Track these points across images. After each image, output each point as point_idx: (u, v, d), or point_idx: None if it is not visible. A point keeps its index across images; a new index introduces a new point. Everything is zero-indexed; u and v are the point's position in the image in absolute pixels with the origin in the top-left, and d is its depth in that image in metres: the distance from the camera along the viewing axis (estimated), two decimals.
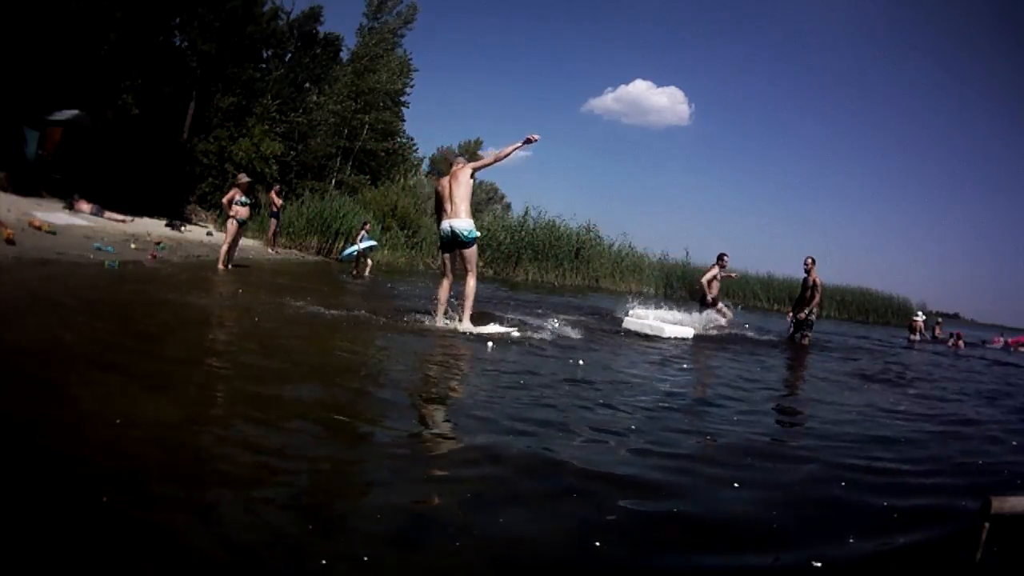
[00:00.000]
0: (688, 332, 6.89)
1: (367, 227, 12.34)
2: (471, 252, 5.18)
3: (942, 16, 66.22)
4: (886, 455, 2.76)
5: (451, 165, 5.42)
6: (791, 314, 8.92)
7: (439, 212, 5.32)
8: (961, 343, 13.70)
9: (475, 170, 5.25)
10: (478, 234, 5.26)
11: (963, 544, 1.58)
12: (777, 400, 4.16)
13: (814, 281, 8.43)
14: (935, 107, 64.60)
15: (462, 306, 5.16)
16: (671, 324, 6.98)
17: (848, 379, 5.44)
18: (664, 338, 6.43)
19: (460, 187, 5.16)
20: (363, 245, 11.54)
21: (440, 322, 5.20)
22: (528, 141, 5.12)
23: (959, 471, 2.66)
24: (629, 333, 6.66)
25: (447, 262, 5.30)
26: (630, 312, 7.78)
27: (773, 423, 3.46)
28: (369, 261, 11.57)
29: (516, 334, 5.15)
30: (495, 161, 5.30)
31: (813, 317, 8.49)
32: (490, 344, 4.41)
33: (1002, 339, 16.71)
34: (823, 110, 68.50)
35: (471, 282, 5.17)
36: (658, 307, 8.83)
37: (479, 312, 5.58)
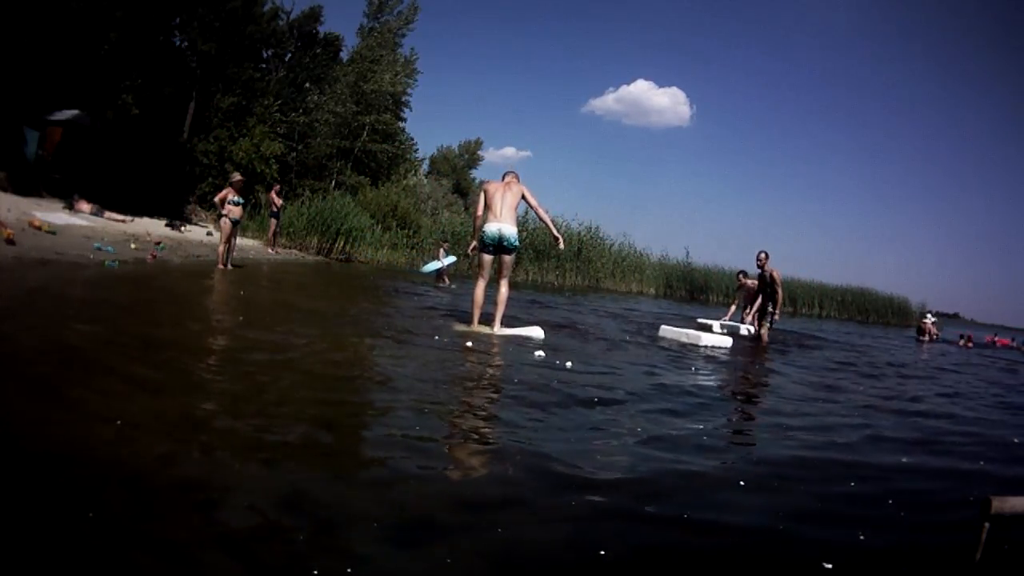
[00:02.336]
0: (727, 341, 6.84)
1: (446, 245, 13.06)
2: (511, 259, 5.36)
3: (942, 17, 66.26)
4: (901, 451, 2.76)
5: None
6: (752, 314, 8.57)
7: (484, 212, 5.32)
8: (971, 343, 14.61)
9: (525, 197, 5.34)
10: (519, 243, 5.42)
11: (963, 544, 1.58)
12: (802, 400, 4.15)
13: (772, 276, 7.98)
14: (935, 107, 64.70)
15: (495, 309, 5.30)
16: (707, 333, 6.92)
17: (840, 378, 5.44)
18: (700, 346, 6.36)
19: (512, 196, 5.26)
20: (446, 262, 12.10)
21: (476, 326, 5.24)
22: (556, 239, 5.67)
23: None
24: (666, 341, 6.59)
25: (487, 265, 5.33)
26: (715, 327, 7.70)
27: (785, 421, 3.45)
28: (446, 277, 12.19)
29: (541, 336, 5.25)
30: (538, 212, 5.54)
31: (777, 314, 8.06)
32: (469, 343, 4.43)
33: (992, 337, 17.94)
34: (823, 111, 68.67)
35: (505, 287, 5.35)
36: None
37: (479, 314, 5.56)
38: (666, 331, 6.96)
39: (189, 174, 16.57)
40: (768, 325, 8.04)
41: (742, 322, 9.17)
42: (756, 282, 8.77)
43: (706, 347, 6.36)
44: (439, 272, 12.14)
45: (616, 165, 69.83)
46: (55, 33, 12.98)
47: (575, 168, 67.84)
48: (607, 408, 3.02)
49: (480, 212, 5.37)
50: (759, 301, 8.41)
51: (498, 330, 5.23)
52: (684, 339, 6.61)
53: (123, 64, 14.76)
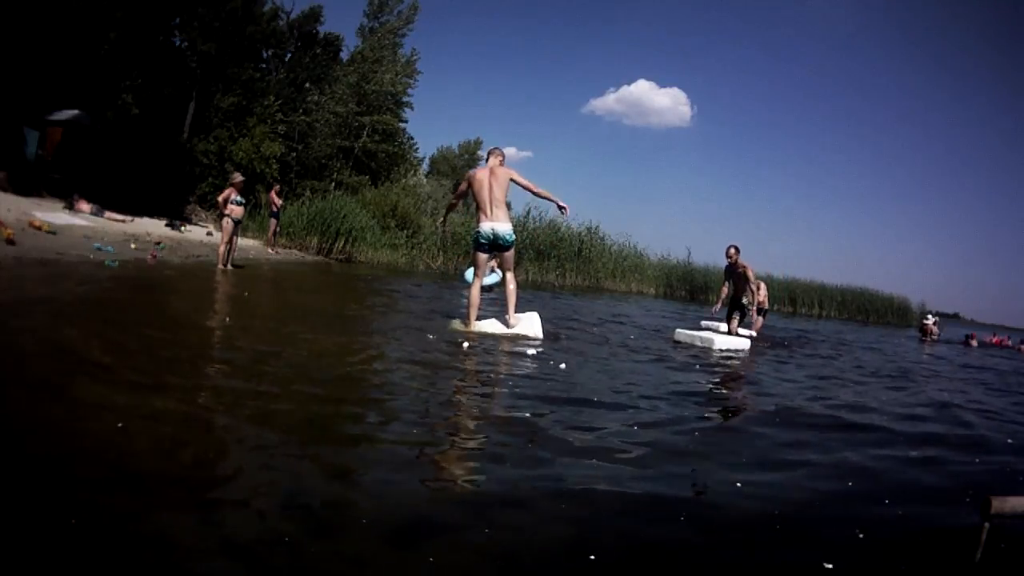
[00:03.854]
0: (745, 343, 6.76)
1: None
2: (511, 254, 5.29)
3: (943, 17, 66.28)
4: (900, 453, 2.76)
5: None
6: (719, 306, 8.12)
7: (465, 204, 5.31)
8: (975, 342, 15.40)
9: (516, 180, 5.19)
10: (514, 237, 5.29)
11: (963, 544, 1.58)
12: (811, 396, 4.15)
13: (744, 269, 7.68)
14: (935, 107, 64.69)
15: (507, 306, 5.26)
16: (721, 335, 6.83)
17: (839, 376, 5.44)
18: (714, 349, 6.27)
19: (500, 187, 5.12)
20: (488, 281, 11.93)
21: (473, 324, 5.21)
22: (561, 208, 5.37)
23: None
24: (679, 344, 6.54)
25: (482, 263, 5.32)
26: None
27: (792, 419, 3.45)
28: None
29: (540, 333, 5.26)
30: (532, 190, 5.25)
31: (746, 301, 7.76)
32: (465, 343, 4.43)
33: (996, 338, 18.51)
34: (824, 111, 68.69)
35: (512, 282, 5.30)
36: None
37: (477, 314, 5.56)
38: (680, 334, 6.93)
39: (189, 174, 16.56)
40: (750, 322, 7.80)
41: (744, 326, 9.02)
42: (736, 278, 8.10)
43: (721, 350, 6.31)
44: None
45: (617, 165, 70.04)
46: (55, 33, 12.97)
47: (576, 168, 67.98)
48: (605, 409, 3.01)
49: (458, 196, 5.40)
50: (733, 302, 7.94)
51: (514, 323, 5.23)
52: (699, 342, 6.56)
53: (123, 64, 14.75)
